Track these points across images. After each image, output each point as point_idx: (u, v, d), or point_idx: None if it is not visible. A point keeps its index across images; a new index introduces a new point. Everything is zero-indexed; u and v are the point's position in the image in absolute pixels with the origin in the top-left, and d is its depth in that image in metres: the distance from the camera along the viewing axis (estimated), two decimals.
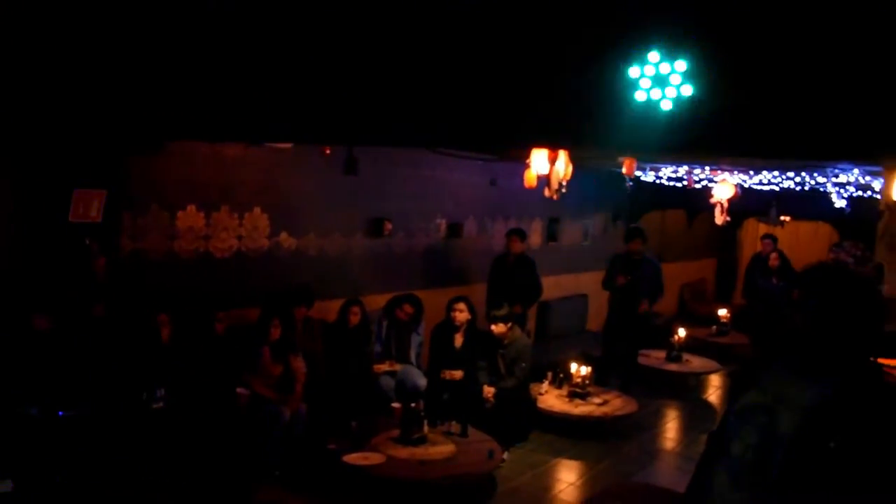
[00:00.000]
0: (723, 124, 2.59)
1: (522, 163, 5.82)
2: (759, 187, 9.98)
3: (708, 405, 9.15)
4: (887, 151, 2.71)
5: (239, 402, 5.75)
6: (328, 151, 6.62)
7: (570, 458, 6.88)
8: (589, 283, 10.16)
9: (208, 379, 5.65)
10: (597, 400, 7.56)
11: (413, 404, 5.89)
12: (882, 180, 6.71)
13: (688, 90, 2.51)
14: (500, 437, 6.19)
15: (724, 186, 8.98)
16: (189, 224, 6.23)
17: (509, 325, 7.03)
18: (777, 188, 9.93)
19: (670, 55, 2.50)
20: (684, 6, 2.57)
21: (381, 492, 5.46)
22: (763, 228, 12.96)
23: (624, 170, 5.79)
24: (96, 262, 5.53)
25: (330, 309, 7.12)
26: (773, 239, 10.21)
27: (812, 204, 10.55)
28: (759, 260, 10.25)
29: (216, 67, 4.21)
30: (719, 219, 9.08)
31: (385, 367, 7.02)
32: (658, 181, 10.44)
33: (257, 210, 6.73)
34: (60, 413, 4.55)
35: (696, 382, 9.82)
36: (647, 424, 8.02)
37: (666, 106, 2.55)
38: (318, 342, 6.79)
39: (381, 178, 7.84)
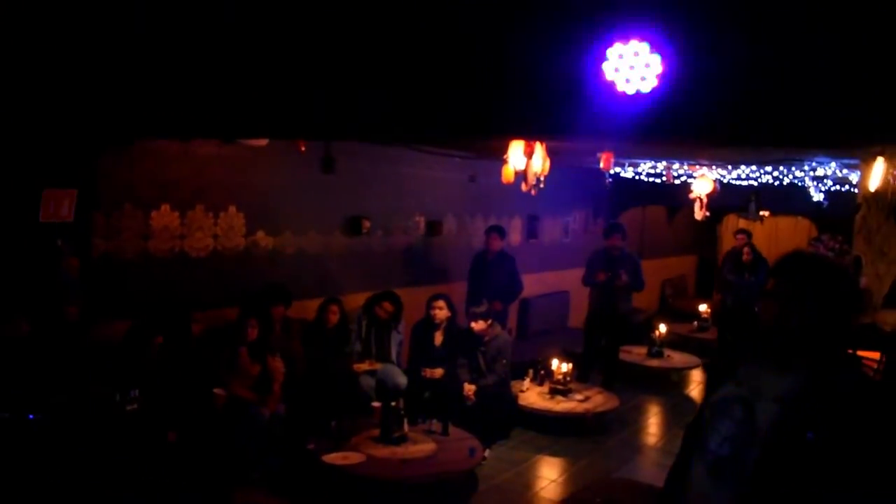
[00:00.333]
0: (694, 110, 2.56)
1: (501, 159, 5.79)
2: (738, 182, 10.02)
3: (690, 400, 9.16)
4: (861, 138, 2.68)
5: (216, 403, 5.67)
6: (303, 149, 6.54)
7: (552, 454, 6.86)
8: (570, 279, 10.14)
9: (184, 380, 5.56)
10: (578, 396, 7.55)
11: (393, 403, 5.84)
12: (859, 173, 6.74)
13: (657, 74, 2.46)
14: (481, 435, 6.16)
15: (702, 181, 9.01)
16: (163, 223, 6.13)
17: (489, 322, 7.01)
18: (756, 183, 9.97)
19: (640, 38, 2.45)
20: None
21: (362, 491, 5.41)
22: (743, 223, 13.02)
23: (601, 164, 5.77)
24: (68, 262, 5.43)
25: (308, 308, 7.05)
26: (749, 234, 10.22)
27: (791, 198, 10.61)
28: (734, 255, 10.23)
29: (185, 63, 4.14)
30: (699, 214, 9.10)
31: (365, 366, 6.96)
32: (637, 177, 10.46)
33: (232, 209, 6.65)
34: (31, 416, 4.45)
35: (678, 378, 9.84)
36: (629, 420, 8.03)
37: (635, 90, 2.51)
38: (297, 342, 6.72)
39: (358, 176, 7.78)
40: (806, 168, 8.18)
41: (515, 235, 10.37)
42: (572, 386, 7.69)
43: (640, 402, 8.73)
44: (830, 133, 2.44)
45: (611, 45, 2.50)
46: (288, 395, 6.12)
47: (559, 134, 3.29)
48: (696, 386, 9.76)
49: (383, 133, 4.61)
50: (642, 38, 2.46)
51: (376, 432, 5.78)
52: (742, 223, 12.93)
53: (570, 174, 10.67)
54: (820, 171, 8.17)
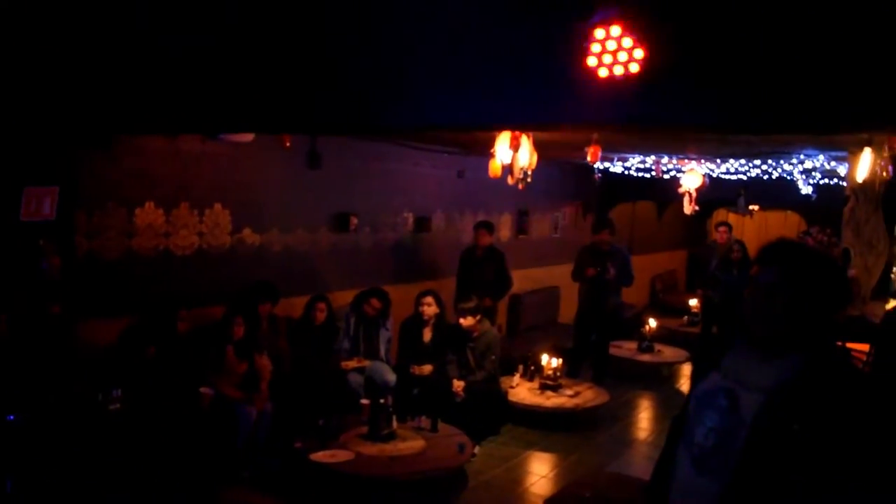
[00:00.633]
0: (676, 95, 2.51)
1: (489, 154, 5.75)
2: (726, 177, 10.01)
3: (680, 395, 9.14)
4: (843, 124, 2.65)
5: (202, 403, 5.62)
6: (288, 144, 6.48)
7: (542, 450, 6.84)
8: (560, 275, 10.11)
9: (169, 379, 5.51)
10: (568, 392, 7.53)
11: (382, 400, 5.81)
12: (847, 165, 6.73)
13: (639, 59, 2.41)
14: (471, 432, 6.14)
15: (691, 176, 9.00)
16: (147, 221, 6.06)
17: (478, 317, 6.97)
18: (745, 177, 9.97)
19: (620, 23, 2.40)
20: None
21: (351, 489, 5.37)
22: (733, 218, 13.02)
23: (589, 157, 5.74)
24: (51, 261, 5.36)
25: (295, 306, 7.00)
26: (730, 227, 10.21)
27: (780, 192, 10.61)
28: (716, 248, 10.16)
29: (167, 57, 4.09)
30: (688, 208, 9.10)
31: (353, 363, 6.92)
32: (627, 172, 10.44)
33: (218, 206, 6.58)
34: (10, 417, 4.39)
35: (668, 372, 9.84)
36: (620, 415, 8.01)
37: (616, 76, 2.46)
38: (284, 340, 6.68)
39: (345, 172, 7.72)
40: (794, 161, 8.18)
41: (505, 231, 10.34)
42: (562, 381, 7.68)
43: (630, 397, 8.72)
44: (815, 119, 2.40)
45: (592, 28, 2.45)
46: (275, 394, 6.08)
47: (539, 122, 3.23)
48: (686, 380, 9.75)
49: (363, 127, 4.56)
50: (622, 23, 2.41)
51: (365, 430, 5.75)
52: (731, 218, 12.95)
53: (559, 169, 10.67)
54: (808, 164, 8.17)
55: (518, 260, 9.65)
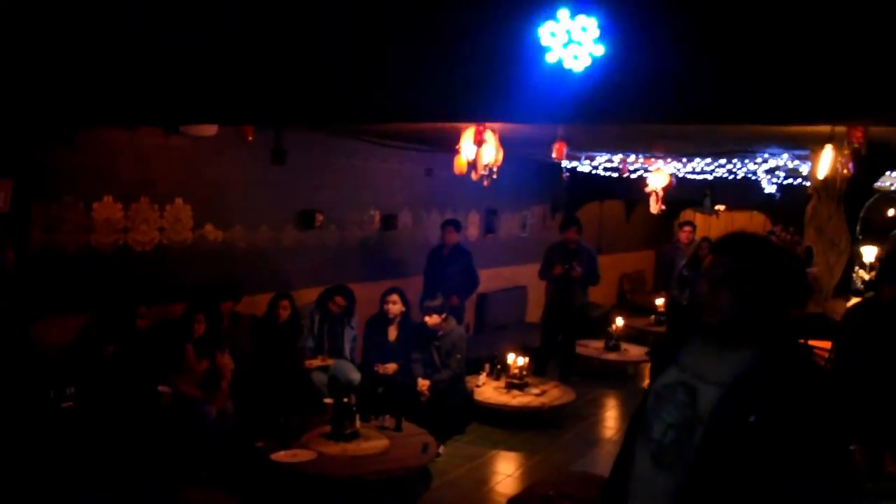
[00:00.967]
0: (638, 87, 2.48)
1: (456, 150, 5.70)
2: (692, 176, 10.07)
3: None
4: (803, 115, 2.64)
5: (160, 401, 5.51)
6: (250, 137, 6.37)
7: (508, 449, 6.80)
8: (528, 274, 10.10)
9: (127, 377, 5.39)
10: (534, 390, 7.51)
11: (345, 399, 5.73)
12: (810, 164, 6.79)
13: (600, 51, 2.38)
14: (436, 431, 6.08)
15: (658, 175, 9.04)
16: (106, 216, 5.93)
17: (443, 316, 6.92)
18: (710, 177, 10.03)
19: (581, 11, 2.36)
20: None
21: (312, 490, 5.29)
22: (700, 218, 13.12)
23: (554, 154, 5.71)
24: (5, 255, 5.22)
25: (259, 303, 6.90)
26: (693, 227, 10.27)
27: (745, 192, 10.72)
28: (679, 248, 10.16)
29: (126, 48, 4.00)
30: (654, 208, 9.14)
31: (317, 362, 6.85)
32: (594, 171, 10.45)
33: (179, 201, 6.46)
34: None
35: (634, 371, 9.86)
36: (586, 414, 8.01)
37: (577, 68, 2.42)
38: (246, 338, 6.57)
39: (311, 168, 7.64)
40: (759, 160, 8.24)
41: (473, 230, 10.31)
42: (528, 380, 7.65)
43: (596, 396, 8.72)
44: (774, 110, 2.38)
45: (549, 18, 2.40)
46: (237, 393, 5.98)
47: (494, 114, 3.18)
48: None
49: (314, 118, 4.48)
50: (579, 11, 2.37)
51: (328, 429, 5.67)
52: (698, 218, 13.04)
53: (527, 168, 10.65)
54: (772, 163, 8.23)
55: (486, 259, 9.62)
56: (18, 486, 4.43)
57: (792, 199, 9.45)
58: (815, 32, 2.29)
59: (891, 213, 15.21)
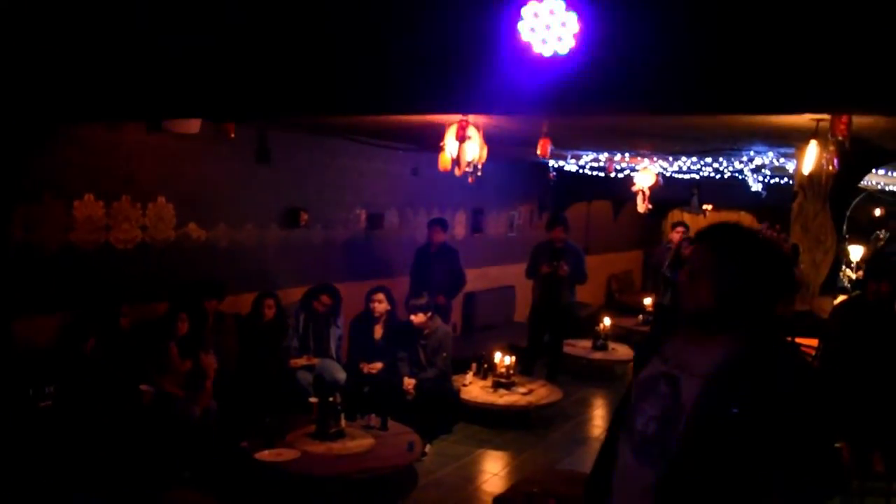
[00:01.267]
0: (619, 76, 2.45)
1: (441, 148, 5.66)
2: (679, 176, 10.07)
3: None
4: (783, 104, 2.61)
5: (143, 400, 5.45)
6: (233, 135, 6.31)
7: (495, 448, 6.78)
8: (515, 274, 10.06)
9: (109, 376, 5.33)
10: (521, 389, 7.48)
11: (331, 398, 5.69)
12: (796, 161, 6.80)
13: (574, 34, 2.33)
14: (422, 430, 6.04)
15: (645, 175, 9.02)
16: (87, 214, 5.85)
17: (429, 314, 6.89)
18: (697, 176, 10.03)
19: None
20: None
21: (298, 489, 5.24)
22: (687, 218, 13.11)
23: (539, 150, 5.68)
24: None
25: (243, 302, 6.85)
26: (686, 227, 10.25)
27: (732, 191, 10.72)
28: (668, 250, 10.14)
29: (106, 43, 3.95)
30: (641, 207, 9.11)
31: (303, 361, 6.80)
32: (581, 171, 10.44)
33: (161, 200, 6.40)
34: None
35: (622, 371, 9.83)
36: (573, 413, 7.99)
37: (552, 52, 2.38)
38: (231, 337, 6.52)
39: (296, 167, 7.59)
40: (745, 159, 8.25)
41: (460, 229, 10.27)
42: (515, 379, 7.62)
43: (583, 395, 8.71)
44: (755, 98, 2.35)
45: (525, 3, 2.36)
46: (222, 392, 5.93)
47: (471, 104, 3.14)
48: None
49: (286, 111, 4.44)
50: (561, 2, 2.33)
51: (313, 429, 5.62)
52: (686, 217, 13.04)
53: (514, 168, 10.64)
54: (758, 161, 8.24)
55: (473, 258, 9.59)
56: None
57: (779, 198, 9.46)
58: (798, 20, 2.27)
59: (877, 212, 15.32)
